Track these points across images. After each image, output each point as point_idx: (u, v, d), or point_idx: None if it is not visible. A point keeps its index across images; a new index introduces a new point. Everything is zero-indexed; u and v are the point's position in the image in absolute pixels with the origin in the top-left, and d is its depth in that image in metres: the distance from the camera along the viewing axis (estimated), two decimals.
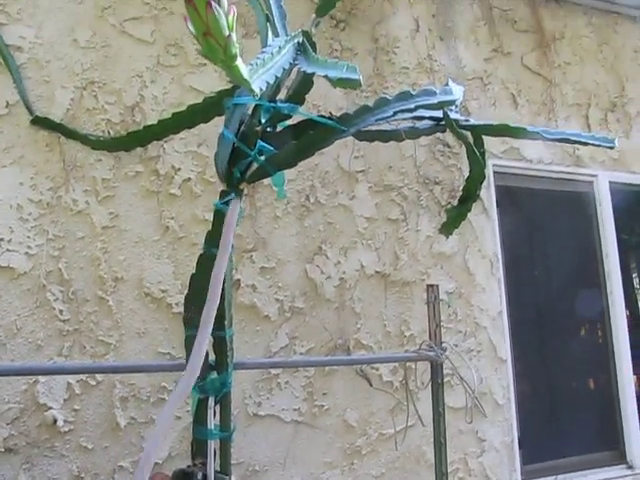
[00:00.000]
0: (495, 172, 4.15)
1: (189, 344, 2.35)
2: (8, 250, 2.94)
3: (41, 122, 3.06)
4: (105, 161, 3.15)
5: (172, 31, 3.39)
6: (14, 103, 3.04)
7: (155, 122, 2.62)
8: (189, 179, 3.29)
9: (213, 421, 2.37)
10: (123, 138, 2.87)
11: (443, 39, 4.19)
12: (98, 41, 3.25)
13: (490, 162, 4.04)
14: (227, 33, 1.40)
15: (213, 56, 1.42)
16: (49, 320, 2.96)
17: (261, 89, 1.67)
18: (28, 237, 2.98)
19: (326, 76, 1.76)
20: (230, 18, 1.43)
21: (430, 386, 2.98)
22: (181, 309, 2.48)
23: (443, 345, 3.01)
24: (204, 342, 1.97)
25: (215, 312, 2.03)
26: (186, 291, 2.29)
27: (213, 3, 1.36)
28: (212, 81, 3.25)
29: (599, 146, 2.75)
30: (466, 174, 2.84)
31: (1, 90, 3.03)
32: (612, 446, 4.34)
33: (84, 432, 2.95)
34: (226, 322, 2.33)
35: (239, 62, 1.46)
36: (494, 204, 4.11)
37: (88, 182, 3.11)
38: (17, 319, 2.91)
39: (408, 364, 3.32)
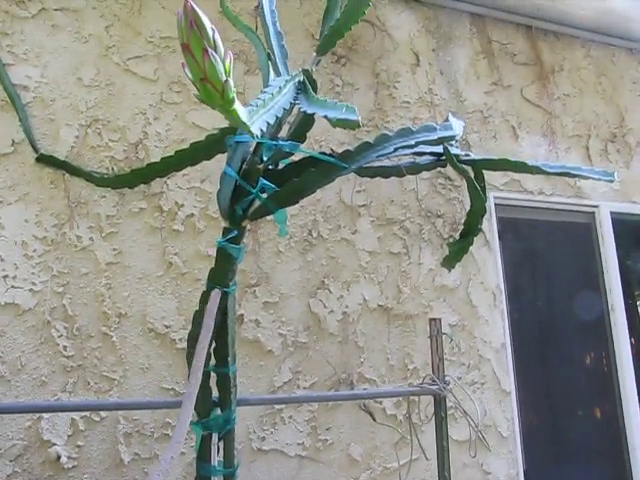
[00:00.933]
0: (496, 204, 4.16)
1: None
2: (13, 287, 2.96)
3: (46, 160, 3.10)
4: (109, 198, 3.18)
5: (175, 68, 3.43)
6: (19, 141, 3.08)
7: (158, 160, 2.65)
8: (192, 215, 3.31)
9: (217, 458, 2.37)
10: (127, 176, 2.90)
11: (443, 73, 4.23)
12: (102, 79, 3.29)
13: (491, 194, 4.06)
14: (224, 78, 1.43)
15: (211, 101, 1.45)
16: (53, 356, 2.97)
17: (262, 130, 1.70)
18: (33, 273, 3.00)
19: (325, 116, 1.78)
20: (227, 63, 1.46)
21: (434, 420, 2.98)
22: (185, 345, 2.49)
23: (446, 379, 3.00)
24: (188, 416, 1.95)
25: (197, 389, 2.01)
26: (190, 328, 2.30)
27: (209, 49, 1.39)
28: (215, 118, 3.21)
29: (599, 180, 2.76)
30: (468, 206, 2.86)
31: (7, 129, 3.07)
32: (619, 478, 4.30)
33: (88, 468, 2.94)
34: (229, 359, 2.34)
35: (237, 105, 1.48)
36: (496, 236, 4.12)
37: (92, 219, 3.14)
38: (21, 355, 2.92)
39: (412, 398, 3.30)
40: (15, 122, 3.08)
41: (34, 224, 3.04)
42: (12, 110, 3.07)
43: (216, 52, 1.42)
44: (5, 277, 2.95)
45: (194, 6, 1.44)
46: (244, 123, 1.50)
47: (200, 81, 1.42)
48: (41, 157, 3.09)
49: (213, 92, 1.43)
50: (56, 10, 3.27)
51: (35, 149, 3.09)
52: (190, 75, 1.44)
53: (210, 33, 1.45)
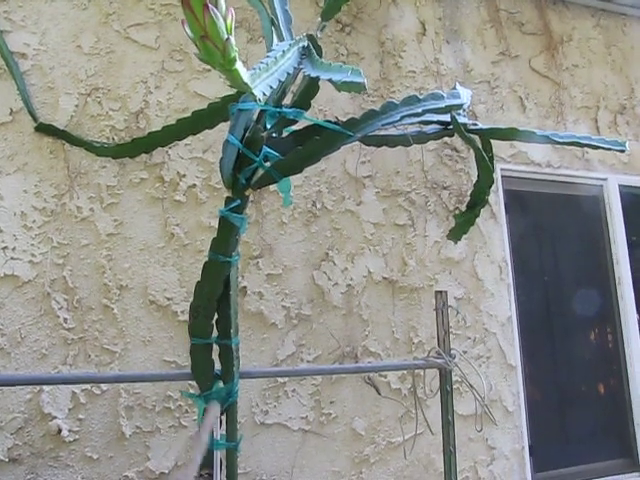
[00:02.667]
0: (503, 176, 4.11)
1: (194, 353, 2.34)
2: (12, 258, 2.92)
3: (45, 129, 3.05)
4: (110, 168, 3.13)
5: (176, 37, 3.36)
6: (18, 110, 3.03)
7: (159, 128, 2.60)
8: (194, 185, 3.26)
9: (219, 431, 2.34)
10: (128, 145, 2.85)
11: (450, 42, 4.15)
12: (102, 47, 3.23)
13: (498, 166, 4.00)
14: (225, 36, 1.36)
15: (211, 60, 1.39)
16: (53, 328, 2.94)
17: (264, 94, 1.64)
18: (32, 245, 2.96)
19: (330, 80, 1.72)
20: (228, 21, 1.40)
21: (439, 394, 2.94)
22: (186, 317, 2.46)
23: (452, 352, 2.96)
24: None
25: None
26: (191, 299, 2.26)
27: (210, 6, 1.33)
28: (217, 86, 3.21)
29: (609, 149, 2.70)
30: (474, 178, 2.80)
31: (5, 97, 3.01)
32: (625, 453, 4.28)
33: (89, 442, 2.92)
34: (232, 330, 2.31)
35: (239, 66, 1.42)
36: (502, 209, 4.07)
37: (92, 189, 3.09)
38: (21, 327, 2.89)
39: (417, 371, 3.27)
40: (13, 90, 3.02)
41: (33, 194, 3.00)
42: (10, 78, 3.02)
43: (217, 8, 1.36)
44: (4, 248, 2.91)
45: None
46: (246, 84, 1.44)
47: (200, 39, 1.36)
48: (40, 126, 3.04)
49: (214, 50, 1.37)
50: None
51: (34, 118, 3.04)
52: (190, 32, 1.38)
53: None
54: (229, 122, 2.26)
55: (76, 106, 3.14)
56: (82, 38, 3.20)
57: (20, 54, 3.07)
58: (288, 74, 1.88)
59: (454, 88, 2.64)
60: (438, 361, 2.94)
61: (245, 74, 1.44)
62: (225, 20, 1.37)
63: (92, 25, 3.24)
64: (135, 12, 3.33)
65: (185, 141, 3.07)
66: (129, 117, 3.21)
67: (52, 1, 3.17)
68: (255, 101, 1.70)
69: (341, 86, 1.66)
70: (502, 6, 4.42)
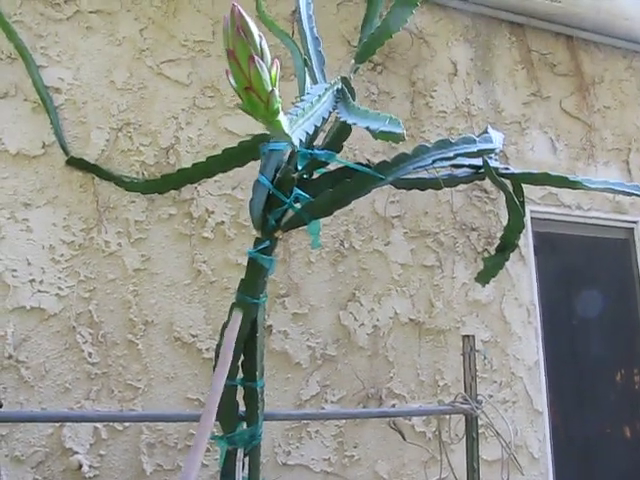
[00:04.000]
0: (533, 218, 4.06)
1: None
2: (39, 291, 2.92)
3: (76, 163, 3.06)
4: (139, 203, 3.13)
5: (209, 73, 3.39)
6: (50, 144, 3.05)
7: (189, 165, 2.59)
8: (222, 222, 3.25)
9: (241, 473, 2.30)
10: (157, 181, 2.85)
11: (481, 83, 4.14)
12: (135, 83, 3.25)
13: (528, 208, 3.95)
14: (270, 88, 1.35)
15: (254, 111, 1.38)
16: (78, 363, 2.93)
17: (300, 141, 1.63)
18: (59, 278, 2.96)
19: (367, 128, 1.71)
20: (273, 72, 1.39)
21: (464, 439, 2.89)
22: (211, 354, 2.44)
23: (478, 398, 2.92)
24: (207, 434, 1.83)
25: (210, 430, 1.88)
26: (217, 340, 2.23)
27: (256, 57, 1.32)
28: (247, 123, 3.16)
29: None
30: (503, 220, 2.78)
31: (38, 131, 3.04)
32: None
33: (109, 478, 2.90)
34: (257, 373, 2.28)
35: (281, 116, 1.41)
36: (531, 251, 4.03)
37: (121, 224, 3.10)
38: (46, 361, 2.88)
39: (442, 415, 3.22)
40: (46, 124, 3.04)
41: (62, 228, 3.00)
42: (44, 112, 3.04)
43: (263, 60, 1.35)
44: (32, 281, 2.91)
45: (242, 11, 1.37)
46: (287, 135, 1.43)
47: (244, 90, 1.35)
48: (71, 160, 3.06)
49: (257, 102, 1.35)
50: (91, 12, 3.23)
51: (65, 152, 3.06)
52: (234, 83, 1.36)
53: (257, 40, 1.38)
54: (260, 161, 2.25)
55: (107, 140, 3.15)
56: (115, 73, 3.23)
57: (54, 88, 3.10)
58: (324, 119, 1.88)
59: (486, 131, 2.61)
60: (464, 407, 2.90)
61: (286, 124, 1.43)
62: (270, 72, 1.37)
63: (126, 60, 3.26)
64: (168, 48, 3.36)
65: (214, 178, 3.07)
66: (159, 152, 3.22)
67: (87, 37, 3.20)
68: (292, 148, 1.69)
69: (379, 135, 1.64)
70: (534, 47, 4.41)
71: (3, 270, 2.88)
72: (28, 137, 3.02)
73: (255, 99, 1.36)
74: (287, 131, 1.43)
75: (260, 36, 1.41)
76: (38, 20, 3.13)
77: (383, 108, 3.71)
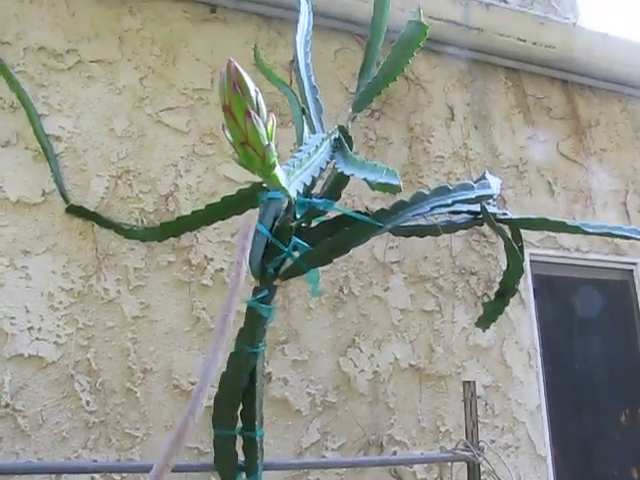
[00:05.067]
0: (532, 261, 4.06)
1: (218, 444, 2.28)
2: (37, 339, 2.91)
3: (76, 210, 3.08)
4: (138, 250, 3.13)
5: (207, 120, 3.41)
6: (50, 191, 3.06)
7: (188, 213, 2.60)
8: (221, 269, 3.25)
9: None
10: (156, 229, 2.86)
11: (478, 127, 4.17)
12: (134, 130, 3.28)
13: (527, 251, 3.96)
14: (266, 143, 1.36)
15: (251, 165, 1.39)
16: (75, 411, 2.91)
17: (297, 191, 1.64)
18: (58, 326, 2.95)
19: (365, 179, 1.71)
20: (269, 126, 1.40)
21: None
22: (210, 403, 2.40)
23: (480, 444, 2.89)
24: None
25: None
26: (216, 390, 2.22)
27: (252, 112, 1.33)
28: (246, 171, 3.22)
29: None
30: (503, 264, 2.78)
31: (39, 179, 3.06)
32: None
33: None
34: (257, 422, 2.26)
35: (277, 170, 1.42)
36: (531, 294, 4.02)
37: (120, 271, 3.09)
38: (43, 410, 2.86)
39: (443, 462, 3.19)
40: (47, 172, 3.07)
41: (61, 275, 3.00)
42: (44, 160, 3.07)
43: (259, 115, 1.36)
44: (30, 329, 2.90)
45: (238, 67, 1.39)
46: (283, 187, 1.44)
47: (240, 145, 1.36)
48: (71, 207, 3.07)
49: (254, 156, 1.37)
50: (92, 62, 3.28)
51: (65, 199, 3.07)
52: (230, 138, 1.37)
53: (253, 95, 1.39)
54: (258, 209, 2.26)
55: (107, 188, 3.17)
56: (115, 121, 3.26)
57: (55, 137, 3.13)
58: (321, 169, 1.89)
59: (484, 177, 2.63)
60: (466, 454, 2.87)
61: (282, 177, 1.44)
62: (266, 126, 1.38)
63: (125, 109, 3.29)
64: (168, 96, 3.39)
65: (213, 225, 3.08)
66: (158, 200, 3.24)
67: (88, 86, 3.24)
68: (289, 200, 1.70)
69: (376, 186, 1.65)
70: (530, 91, 4.45)
71: (1, 317, 2.87)
72: (28, 185, 3.04)
73: (251, 153, 1.37)
74: (284, 184, 1.44)
75: (256, 91, 1.43)
76: (40, 70, 3.17)
77: (381, 154, 3.74)
